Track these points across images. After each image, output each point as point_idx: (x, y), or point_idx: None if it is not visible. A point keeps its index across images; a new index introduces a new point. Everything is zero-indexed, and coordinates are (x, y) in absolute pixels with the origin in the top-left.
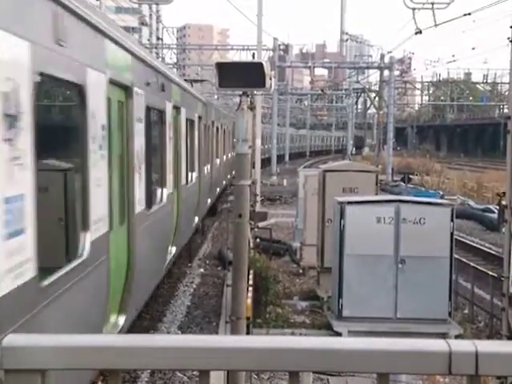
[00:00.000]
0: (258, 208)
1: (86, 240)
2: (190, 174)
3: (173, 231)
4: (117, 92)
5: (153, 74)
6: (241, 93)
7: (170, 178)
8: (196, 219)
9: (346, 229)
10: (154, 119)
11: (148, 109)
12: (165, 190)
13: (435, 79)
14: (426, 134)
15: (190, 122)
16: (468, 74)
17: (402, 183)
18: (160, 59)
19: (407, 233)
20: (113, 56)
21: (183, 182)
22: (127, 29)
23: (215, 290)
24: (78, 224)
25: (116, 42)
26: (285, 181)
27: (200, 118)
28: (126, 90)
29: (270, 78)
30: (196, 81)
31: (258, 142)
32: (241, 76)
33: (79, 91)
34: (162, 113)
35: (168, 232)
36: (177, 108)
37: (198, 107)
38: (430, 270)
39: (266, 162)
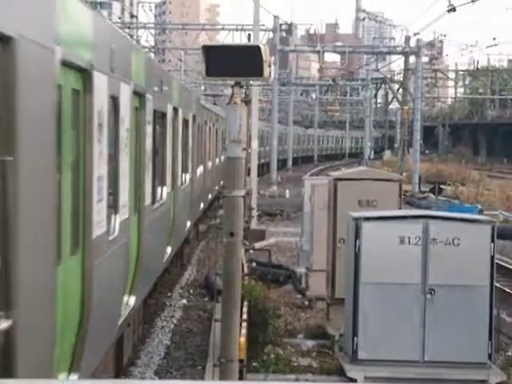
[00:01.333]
0: (254, 225)
1: (117, 221)
2: (184, 175)
3: (169, 230)
4: (136, 99)
5: (157, 78)
6: (233, 83)
7: (168, 177)
8: (188, 224)
9: (363, 251)
10: (159, 121)
11: (155, 112)
12: (164, 188)
13: (472, 67)
14: (461, 135)
15: (185, 122)
16: None
17: (432, 195)
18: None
19: (437, 256)
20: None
21: (179, 182)
22: (94, 4)
23: (201, 326)
24: (112, 206)
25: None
26: (287, 191)
27: (194, 117)
28: (140, 97)
29: (269, 65)
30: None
31: (255, 143)
32: (233, 62)
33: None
34: (164, 115)
35: (166, 229)
36: (175, 109)
37: (192, 106)
38: (465, 302)
39: (264, 169)
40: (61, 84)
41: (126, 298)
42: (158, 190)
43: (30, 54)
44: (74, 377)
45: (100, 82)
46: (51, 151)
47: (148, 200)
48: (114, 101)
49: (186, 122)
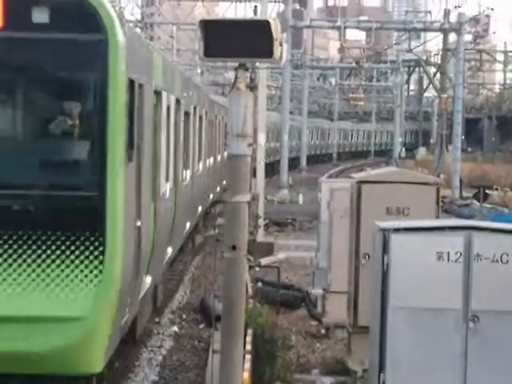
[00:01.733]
0: (261, 237)
1: (167, 188)
2: (184, 171)
3: (170, 227)
4: (176, 104)
5: (187, 88)
6: (236, 65)
7: (172, 171)
8: (188, 225)
9: (392, 269)
10: (186, 119)
11: (185, 113)
12: (188, 171)
13: None
14: (511, 129)
15: (200, 118)
16: None
17: (476, 202)
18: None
19: (483, 275)
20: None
21: (180, 178)
22: None
23: (195, 359)
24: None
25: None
26: (300, 196)
27: (206, 112)
28: (178, 102)
29: (281, 44)
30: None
31: (262, 138)
32: (236, 40)
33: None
34: (188, 114)
35: (169, 225)
36: (195, 108)
37: (206, 104)
38: None
39: (273, 168)
40: (154, 102)
41: (169, 249)
42: (185, 172)
43: (148, 89)
44: (148, 278)
45: (163, 97)
46: (153, 139)
47: (180, 178)
48: (168, 108)
49: (200, 118)
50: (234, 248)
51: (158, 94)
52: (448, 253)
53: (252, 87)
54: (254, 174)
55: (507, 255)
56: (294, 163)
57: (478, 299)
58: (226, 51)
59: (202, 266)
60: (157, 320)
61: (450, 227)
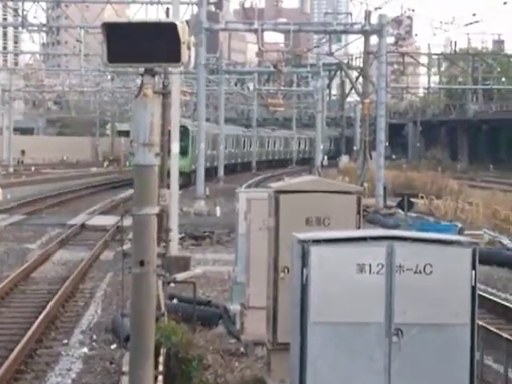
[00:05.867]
0: (176, 251)
1: None
2: None
3: None
4: None
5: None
6: (143, 70)
7: None
8: None
9: (312, 282)
10: None
11: None
12: None
13: (449, 50)
14: (437, 135)
15: None
16: (499, 43)
17: (400, 211)
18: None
19: (406, 288)
20: None
21: None
22: None
23: (107, 382)
24: None
25: None
26: (218, 208)
27: None
28: None
29: (189, 47)
30: None
31: (176, 146)
32: (142, 44)
33: None
34: None
35: None
36: None
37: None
38: (440, 344)
39: (188, 179)
40: None
41: None
42: None
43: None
44: None
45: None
46: None
47: None
48: None
49: None
50: (141, 263)
51: None
52: (370, 264)
53: (165, 93)
54: (166, 184)
55: (431, 266)
56: (211, 173)
57: (402, 312)
58: (130, 56)
59: (114, 283)
60: (65, 341)
61: (371, 237)
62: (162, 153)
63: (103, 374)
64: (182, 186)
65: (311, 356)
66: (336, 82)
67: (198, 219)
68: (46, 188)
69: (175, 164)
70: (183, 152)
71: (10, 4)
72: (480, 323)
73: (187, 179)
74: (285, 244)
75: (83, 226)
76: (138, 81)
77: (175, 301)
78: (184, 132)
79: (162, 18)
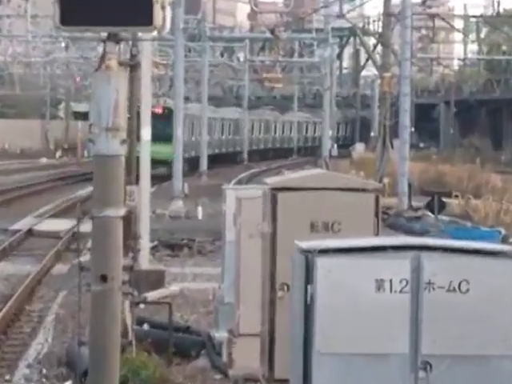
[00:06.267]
0: (147, 263)
1: None
2: None
3: None
4: None
5: None
6: (105, 36)
7: None
8: None
9: (318, 303)
10: None
11: None
12: None
13: (490, 12)
14: (475, 118)
15: None
16: None
17: (430, 213)
18: None
19: (436, 310)
20: None
21: None
22: None
23: None
24: None
25: None
26: (199, 209)
27: None
28: None
29: (163, 7)
30: None
31: (147, 132)
32: (104, 4)
33: None
34: None
35: None
36: None
37: None
38: (480, 381)
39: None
40: None
41: None
42: None
43: None
44: None
45: None
46: None
47: None
48: None
49: None
50: (103, 279)
51: None
52: (390, 281)
53: (133, 65)
54: (135, 179)
55: (467, 282)
56: (192, 164)
57: (431, 341)
58: (89, 17)
59: (69, 303)
60: (7, 377)
61: (393, 247)
62: (129, 139)
63: None
64: (164, 178)
65: None
66: (348, 51)
67: (175, 223)
68: None
69: (146, 154)
70: (167, 138)
71: None
72: None
73: (171, 169)
74: (284, 255)
75: (30, 231)
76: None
77: (146, 326)
78: (169, 115)
79: None
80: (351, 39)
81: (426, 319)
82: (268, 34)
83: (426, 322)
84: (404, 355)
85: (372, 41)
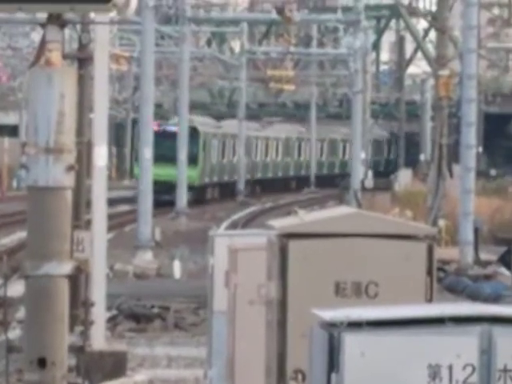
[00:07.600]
0: (102, 342)
1: None
2: None
3: None
4: None
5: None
6: (44, 17)
7: None
8: None
9: None
10: None
11: None
12: None
13: None
14: None
15: None
16: None
17: (505, 270)
18: None
19: None
20: None
21: None
22: None
23: None
24: None
25: None
26: (176, 265)
27: None
28: None
29: None
30: None
31: (103, 151)
32: None
33: None
34: None
35: None
36: None
37: None
38: None
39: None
40: None
41: None
42: None
43: None
44: None
45: None
46: None
47: None
48: None
49: None
50: (41, 364)
51: None
52: (450, 366)
53: (83, 59)
54: (86, 221)
55: None
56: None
57: None
58: None
59: None
60: None
61: (454, 319)
62: (78, 165)
63: None
64: (189, 204)
65: None
66: (388, 38)
67: (142, 285)
68: None
69: (101, 183)
70: (191, 160)
71: None
72: None
73: (196, 195)
74: (298, 330)
75: None
76: (36, 37)
77: None
78: (193, 134)
79: None
80: (393, 22)
81: None
82: (274, 15)
83: None
84: None
85: (422, 24)
